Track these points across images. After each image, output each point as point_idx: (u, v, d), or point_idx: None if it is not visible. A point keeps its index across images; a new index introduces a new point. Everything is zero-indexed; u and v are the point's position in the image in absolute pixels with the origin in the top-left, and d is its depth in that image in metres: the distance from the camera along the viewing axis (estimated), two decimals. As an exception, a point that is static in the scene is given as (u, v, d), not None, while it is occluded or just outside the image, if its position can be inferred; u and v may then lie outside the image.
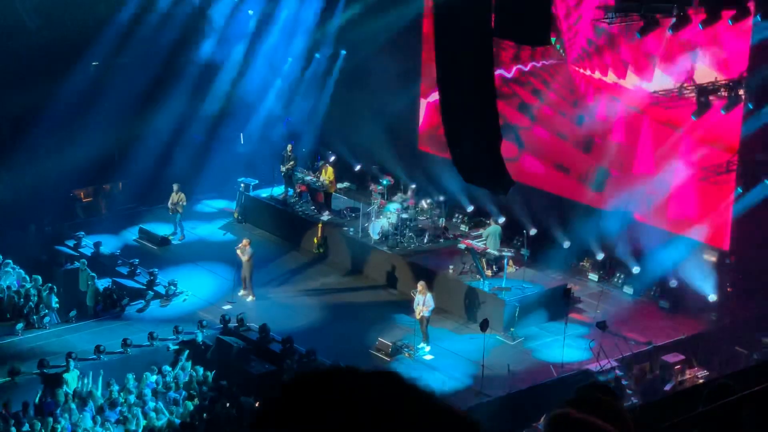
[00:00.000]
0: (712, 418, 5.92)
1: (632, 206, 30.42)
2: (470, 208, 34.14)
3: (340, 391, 2.33)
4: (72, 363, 25.27)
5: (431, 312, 27.80)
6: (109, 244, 33.53)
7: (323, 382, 2.37)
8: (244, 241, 31.07)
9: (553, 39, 30.87)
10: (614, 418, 3.45)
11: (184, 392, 25.21)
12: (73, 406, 24.08)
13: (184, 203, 34.64)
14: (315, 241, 33.56)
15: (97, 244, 32.92)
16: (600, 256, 31.51)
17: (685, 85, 28.75)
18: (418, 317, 27.78)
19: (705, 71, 28.56)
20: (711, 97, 28.12)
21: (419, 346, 27.77)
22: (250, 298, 30.73)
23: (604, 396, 3.46)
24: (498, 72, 32.37)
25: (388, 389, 2.37)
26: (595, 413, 3.31)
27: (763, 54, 27.47)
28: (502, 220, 31.72)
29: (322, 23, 37.90)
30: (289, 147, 35.55)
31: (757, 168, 28.18)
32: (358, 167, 37.39)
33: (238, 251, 30.82)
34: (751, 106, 27.87)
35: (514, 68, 33.28)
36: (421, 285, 27.93)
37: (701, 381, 25.74)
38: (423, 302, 27.63)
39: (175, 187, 34.52)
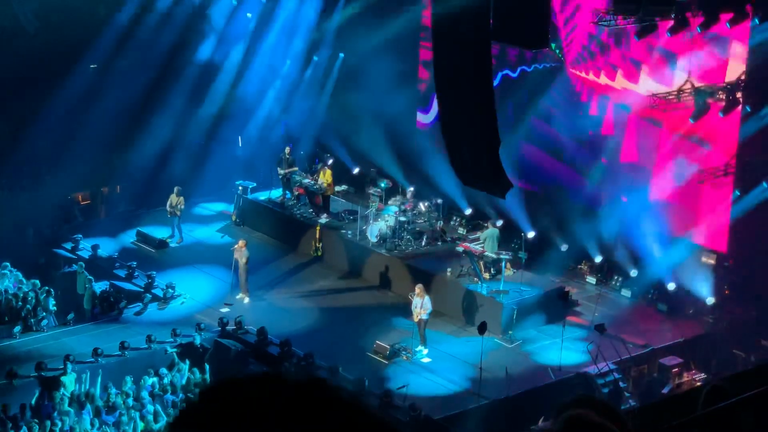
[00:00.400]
0: (711, 421, 5.92)
1: (630, 208, 30.43)
2: (468, 211, 34.14)
3: (256, 397, 2.35)
4: (69, 366, 25.27)
5: (429, 315, 27.79)
6: (107, 247, 33.50)
7: (241, 388, 2.39)
8: (240, 242, 31.07)
9: (553, 44, 30.94)
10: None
11: (181, 395, 25.20)
12: (71, 409, 24.06)
13: (183, 206, 34.61)
14: (313, 243, 33.54)
15: (94, 247, 32.89)
16: (598, 259, 31.53)
17: (684, 88, 28.76)
18: (416, 320, 27.78)
19: (703, 74, 28.58)
20: (709, 100, 28.14)
21: (417, 349, 27.76)
22: (246, 300, 30.72)
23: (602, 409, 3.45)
24: (504, 72, 32.47)
25: (309, 397, 2.37)
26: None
27: (761, 56, 27.50)
28: (500, 222, 31.72)
29: (320, 26, 37.91)
30: (287, 150, 35.53)
31: (756, 170, 28.19)
32: (356, 170, 37.36)
33: (234, 252, 30.82)
34: (749, 109, 27.89)
35: (519, 69, 33.30)
36: (419, 288, 27.93)
37: (699, 384, 25.75)
38: (421, 305, 27.62)
39: (175, 189, 34.49)
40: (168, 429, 2.41)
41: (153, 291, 30.49)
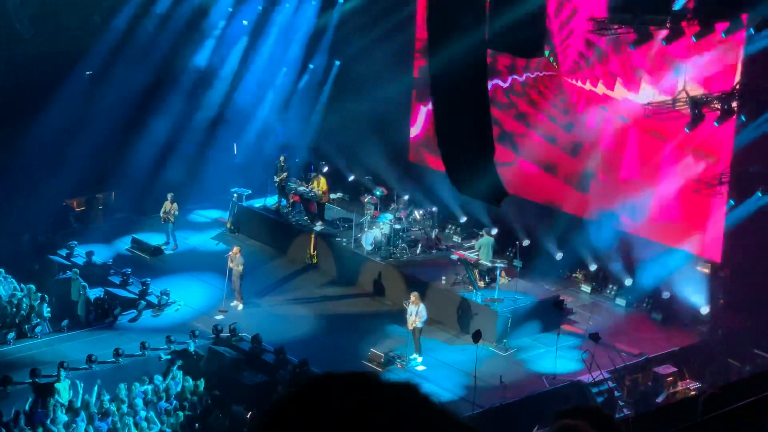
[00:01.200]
0: (709, 429, 5.92)
1: (625, 218, 30.46)
2: (463, 219, 34.16)
3: (354, 399, 2.34)
4: (63, 372, 25.22)
5: (424, 323, 27.79)
6: (102, 254, 33.45)
7: (337, 386, 2.38)
8: (235, 249, 31.08)
9: (546, 52, 30.96)
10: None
11: (176, 402, 25.16)
12: (64, 416, 24.00)
13: (177, 212, 34.60)
14: (308, 251, 33.55)
15: (89, 254, 32.85)
16: (593, 268, 31.55)
17: (679, 97, 28.79)
18: (410, 328, 27.77)
19: (698, 84, 28.62)
20: (704, 109, 28.17)
21: (411, 357, 27.75)
22: (239, 307, 30.71)
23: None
24: (495, 82, 32.45)
25: (406, 400, 2.38)
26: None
27: (756, 66, 27.54)
28: (494, 231, 31.74)
29: (316, 34, 37.95)
30: (282, 158, 35.57)
31: (750, 180, 28.21)
32: (351, 178, 37.40)
33: (229, 260, 30.82)
34: (743, 118, 27.92)
35: (510, 78, 33.33)
36: (414, 296, 27.92)
37: (693, 393, 25.76)
38: (416, 313, 27.62)
39: (169, 196, 34.49)
40: (262, 424, 2.39)
41: (147, 298, 30.48)
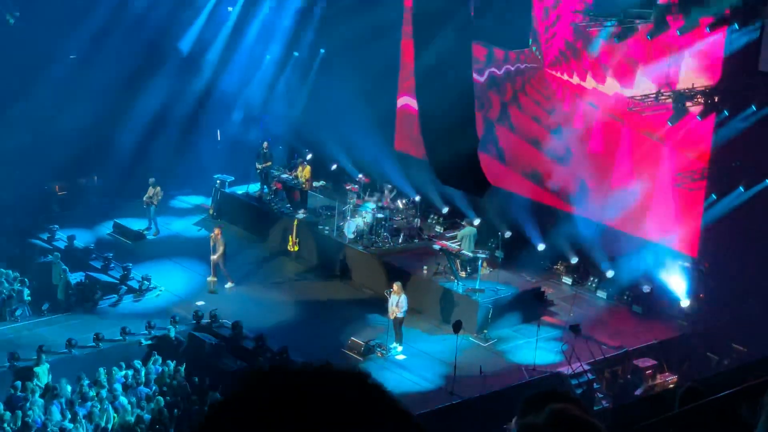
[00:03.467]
0: (685, 421, 5.95)
1: (607, 211, 30.51)
2: (445, 210, 34.18)
3: (303, 391, 2.32)
4: (43, 356, 25.18)
5: (405, 313, 27.81)
6: (84, 238, 33.42)
7: (286, 376, 2.36)
8: (216, 230, 31.17)
9: (534, 48, 31.00)
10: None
11: (155, 387, 25.14)
12: (42, 400, 23.95)
13: (160, 197, 34.60)
14: (290, 239, 33.53)
15: (71, 238, 32.81)
16: (574, 260, 31.61)
17: (662, 90, 28.83)
18: (391, 317, 27.80)
19: (682, 77, 28.67)
20: (688, 103, 28.22)
21: (391, 346, 27.78)
22: (229, 285, 30.85)
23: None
24: (476, 74, 32.41)
25: (354, 390, 2.36)
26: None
27: (739, 61, 27.60)
28: (477, 221, 31.76)
29: (301, 21, 37.89)
30: (265, 144, 35.58)
31: (731, 175, 28.28)
32: (334, 166, 37.39)
33: (211, 240, 30.90)
34: (726, 113, 27.99)
35: (487, 71, 33.34)
36: (396, 285, 27.93)
37: (672, 386, 25.86)
38: (397, 303, 27.65)
39: (151, 181, 34.47)
40: (206, 420, 2.36)
41: (129, 283, 30.46)
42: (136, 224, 34.72)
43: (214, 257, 30.90)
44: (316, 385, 2.31)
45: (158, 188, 34.51)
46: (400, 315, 27.70)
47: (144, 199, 34.58)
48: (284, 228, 33.94)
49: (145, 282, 30.43)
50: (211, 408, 2.33)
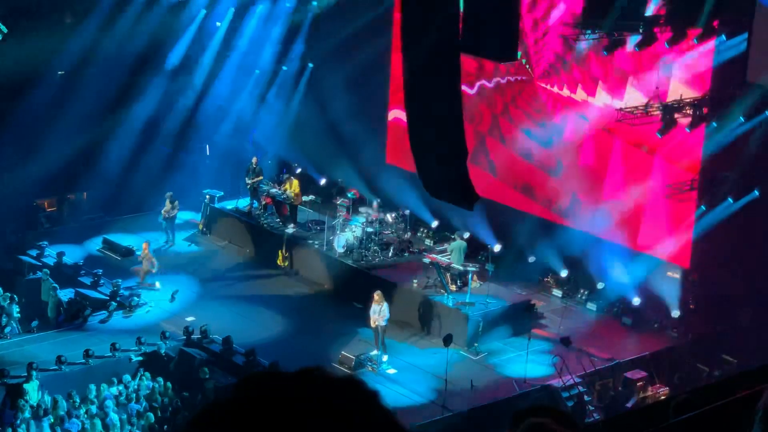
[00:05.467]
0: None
1: (596, 222, 30.52)
2: (435, 223, 34.15)
3: (295, 395, 2.29)
4: (33, 373, 25.10)
5: (387, 321, 27.84)
6: (73, 254, 33.31)
7: (277, 381, 2.33)
8: (144, 245, 32.18)
9: (519, 53, 30.99)
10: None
11: (145, 403, 25.07)
12: (32, 417, 23.87)
13: (177, 211, 34.97)
14: (280, 253, 33.50)
15: (60, 254, 32.70)
16: (564, 272, 31.60)
17: (651, 102, 28.88)
18: (373, 326, 27.83)
19: (671, 89, 28.73)
20: (676, 115, 28.28)
21: (373, 353, 27.76)
22: (157, 286, 31.60)
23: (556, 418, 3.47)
24: (466, 85, 32.42)
25: (347, 398, 2.33)
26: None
27: (727, 73, 27.67)
28: (467, 235, 31.75)
29: (290, 35, 37.89)
30: (254, 159, 35.53)
31: (721, 186, 28.33)
32: (323, 180, 37.36)
33: (141, 257, 31.91)
34: (714, 125, 28.05)
35: (478, 84, 33.37)
36: (377, 295, 28.00)
37: (663, 398, 25.85)
38: (379, 311, 27.70)
39: (168, 195, 34.78)
40: (193, 422, 2.32)
41: (118, 299, 30.37)
42: (126, 240, 34.62)
43: (138, 269, 31.38)
44: (308, 392, 2.29)
45: (176, 202, 34.71)
46: (382, 323, 27.74)
47: (162, 212, 34.77)
48: (274, 243, 33.89)
49: (135, 298, 30.39)
50: (199, 411, 2.30)
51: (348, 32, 35.13)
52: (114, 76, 35.88)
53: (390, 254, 32.29)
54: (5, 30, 33.73)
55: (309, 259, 33.16)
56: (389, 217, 33.43)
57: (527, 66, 32.09)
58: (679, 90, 28.51)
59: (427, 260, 30.54)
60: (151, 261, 31.64)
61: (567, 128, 31.37)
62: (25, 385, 24.91)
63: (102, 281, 31.27)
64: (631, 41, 28.13)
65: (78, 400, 24.63)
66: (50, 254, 32.99)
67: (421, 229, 34.54)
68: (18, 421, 23.69)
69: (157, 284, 31.57)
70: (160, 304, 30.77)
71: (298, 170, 36.47)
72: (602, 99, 30.43)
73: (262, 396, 2.29)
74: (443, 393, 25.80)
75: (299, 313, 30.94)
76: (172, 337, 28.02)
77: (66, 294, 30.16)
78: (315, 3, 37.10)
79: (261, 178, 35.35)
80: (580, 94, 31.04)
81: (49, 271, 30.49)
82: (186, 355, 27.45)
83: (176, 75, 37.78)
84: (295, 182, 34.53)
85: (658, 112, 28.61)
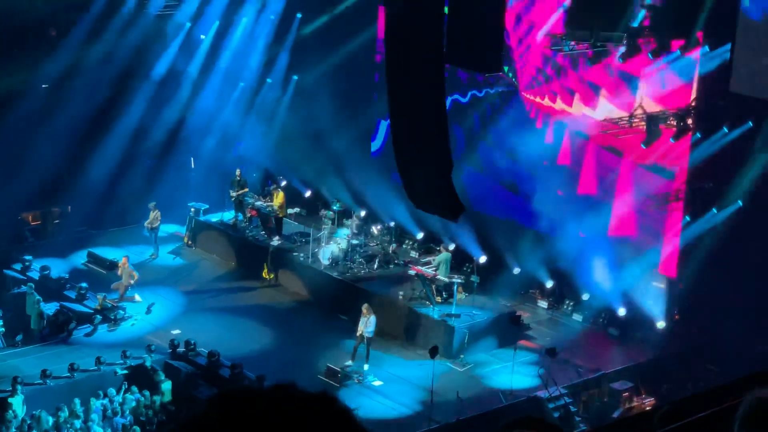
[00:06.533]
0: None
1: (582, 233, 30.55)
2: (420, 235, 34.13)
3: (269, 412, 2.28)
4: (18, 387, 25.00)
5: (372, 333, 27.88)
6: (58, 268, 33.19)
7: (251, 398, 2.31)
8: (123, 259, 31.89)
9: (506, 68, 31.09)
10: None
11: (130, 417, 25.00)
12: (15, 430, 23.78)
13: (160, 221, 34.86)
14: (265, 266, 33.46)
15: (44, 268, 32.57)
16: (550, 284, 31.61)
17: (635, 113, 28.95)
18: (357, 335, 27.90)
19: (655, 99, 28.82)
20: (660, 126, 28.36)
21: (348, 363, 27.79)
22: (137, 299, 31.51)
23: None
24: (453, 97, 32.53)
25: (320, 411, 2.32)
26: None
27: (711, 83, 27.77)
28: (452, 246, 31.74)
29: (274, 48, 37.88)
30: (238, 172, 35.47)
31: (706, 196, 28.41)
32: (308, 193, 37.32)
33: (119, 269, 31.71)
34: (699, 135, 28.12)
35: (469, 93, 33.43)
36: (365, 308, 28.10)
37: (649, 408, 25.86)
38: (366, 323, 27.75)
39: (151, 205, 34.64)
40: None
41: (103, 312, 30.28)
42: (111, 253, 34.51)
43: (118, 285, 31.38)
44: (281, 408, 2.28)
45: (158, 212, 34.66)
46: (367, 334, 27.77)
47: (145, 224, 34.72)
48: (259, 256, 33.85)
49: (120, 311, 30.32)
50: (176, 427, 2.29)
51: (334, 45, 35.16)
52: (98, 89, 35.79)
53: (375, 266, 32.28)
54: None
55: (294, 271, 33.12)
56: (374, 229, 33.42)
57: (513, 77, 32.16)
58: (663, 100, 28.58)
59: (412, 272, 30.54)
60: (130, 274, 31.53)
61: (552, 138, 31.41)
62: (10, 399, 24.82)
63: (87, 295, 31.16)
64: (616, 53, 28.20)
65: (65, 415, 24.50)
66: (35, 268, 32.85)
67: (407, 241, 34.50)
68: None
69: (137, 297, 31.48)
70: (145, 318, 30.71)
71: (283, 182, 36.43)
72: (587, 109, 30.49)
73: (235, 413, 2.27)
74: (429, 405, 25.76)
75: (285, 325, 30.89)
76: (158, 350, 27.93)
77: (51, 307, 30.06)
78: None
79: (246, 190, 35.31)
80: (564, 105, 31.10)
81: (33, 285, 30.38)
82: (172, 368, 27.37)
83: (161, 88, 37.68)
84: (280, 194, 34.50)
85: (642, 123, 28.69)
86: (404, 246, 34.34)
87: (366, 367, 27.96)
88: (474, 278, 30.55)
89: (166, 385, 26.27)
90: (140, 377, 26.81)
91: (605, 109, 29.93)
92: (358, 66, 35.31)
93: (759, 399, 3.46)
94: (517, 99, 32.31)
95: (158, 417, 25.09)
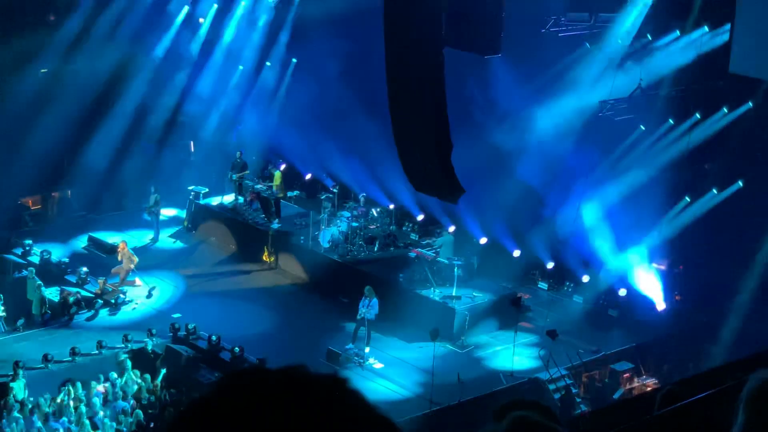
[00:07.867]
0: (664, 424, 5.95)
1: (582, 215, 30.55)
2: (420, 217, 34.11)
3: (279, 393, 2.27)
4: (19, 371, 25.04)
5: (374, 315, 27.85)
6: (58, 252, 33.21)
7: (260, 379, 2.31)
8: (121, 244, 31.66)
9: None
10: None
11: (132, 401, 25.04)
12: (20, 415, 23.81)
13: (160, 205, 34.91)
14: (266, 248, 33.47)
15: (45, 253, 32.59)
16: (550, 265, 31.60)
17: (635, 94, 28.93)
18: (358, 317, 27.92)
19: (654, 80, 28.79)
20: (660, 107, 28.36)
21: (348, 346, 27.81)
22: (138, 282, 31.48)
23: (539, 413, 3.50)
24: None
25: (332, 395, 2.31)
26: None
27: (711, 64, 27.74)
28: (452, 229, 31.74)
29: (274, 30, 37.82)
30: (239, 154, 35.46)
31: (705, 177, 28.42)
32: (308, 175, 37.30)
33: (119, 254, 31.46)
34: (698, 116, 28.12)
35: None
36: (367, 290, 28.06)
37: (650, 389, 25.91)
38: (367, 305, 27.75)
39: (152, 189, 34.66)
40: (174, 422, 2.30)
41: (104, 296, 30.30)
42: (111, 237, 34.52)
43: (118, 269, 31.30)
44: (291, 390, 2.27)
45: (158, 196, 34.75)
46: (368, 317, 27.76)
47: (145, 208, 34.76)
48: (259, 238, 33.86)
49: (121, 295, 30.34)
50: (181, 410, 2.28)
51: (332, 28, 35.07)
52: (98, 72, 35.74)
53: (375, 249, 32.26)
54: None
55: (295, 254, 33.12)
56: (375, 212, 33.41)
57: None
58: (662, 81, 28.56)
59: (412, 254, 30.55)
60: (130, 258, 31.49)
61: (550, 120, 31.35)
62: (12, 384, 24.85)
63: (88, 279, 31.18)
64: (615, 33, 28.17)
65: (67, 399, 24.54)
66: (35, 252, 32.87)
67: (407, 223, 34.45)
68: (5, 420, 23.63)
69: (137, 281, 31.48)
70: (146, 302, 30.73)
71: (283, 165, 36.40)
72: (587, 90, 30.41)
73: (245, 394, 2.27)
74: (430, 387, 25.79)
75: (285, 308, 30.92)
76: (159, 334, 27.96)
77: (51, 292, 30.08)
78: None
79: (247, 172, 35.31)
80: (562, 87, 31.03)
81: (34, 270, 30.39)
82: (173, 351, 27.41)
83: (160, 71, 37.64)
84: (278, 175, 34.52)
85: (642, 104, 28.69)
86: (404, 228, 34.28)
87: (367, 349, 27.98)
88: (474, 260, 30.54)
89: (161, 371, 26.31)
90: (142, 361, 26.84)
91: (603, 90, 29.87)
92: (358, 47, 35.18)
93: (765, 379, 3.46)
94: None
95: (160, 401, 25.11)
